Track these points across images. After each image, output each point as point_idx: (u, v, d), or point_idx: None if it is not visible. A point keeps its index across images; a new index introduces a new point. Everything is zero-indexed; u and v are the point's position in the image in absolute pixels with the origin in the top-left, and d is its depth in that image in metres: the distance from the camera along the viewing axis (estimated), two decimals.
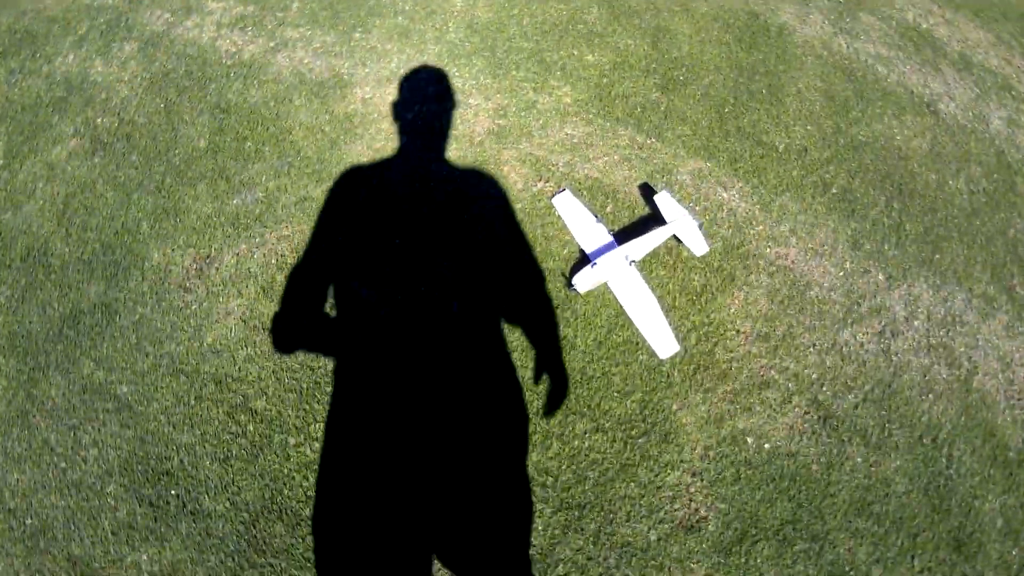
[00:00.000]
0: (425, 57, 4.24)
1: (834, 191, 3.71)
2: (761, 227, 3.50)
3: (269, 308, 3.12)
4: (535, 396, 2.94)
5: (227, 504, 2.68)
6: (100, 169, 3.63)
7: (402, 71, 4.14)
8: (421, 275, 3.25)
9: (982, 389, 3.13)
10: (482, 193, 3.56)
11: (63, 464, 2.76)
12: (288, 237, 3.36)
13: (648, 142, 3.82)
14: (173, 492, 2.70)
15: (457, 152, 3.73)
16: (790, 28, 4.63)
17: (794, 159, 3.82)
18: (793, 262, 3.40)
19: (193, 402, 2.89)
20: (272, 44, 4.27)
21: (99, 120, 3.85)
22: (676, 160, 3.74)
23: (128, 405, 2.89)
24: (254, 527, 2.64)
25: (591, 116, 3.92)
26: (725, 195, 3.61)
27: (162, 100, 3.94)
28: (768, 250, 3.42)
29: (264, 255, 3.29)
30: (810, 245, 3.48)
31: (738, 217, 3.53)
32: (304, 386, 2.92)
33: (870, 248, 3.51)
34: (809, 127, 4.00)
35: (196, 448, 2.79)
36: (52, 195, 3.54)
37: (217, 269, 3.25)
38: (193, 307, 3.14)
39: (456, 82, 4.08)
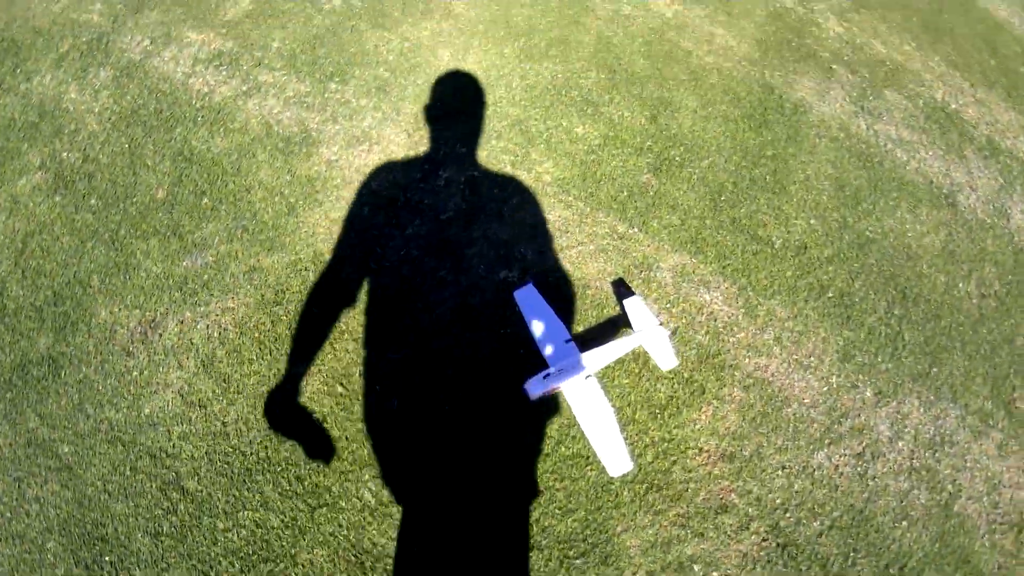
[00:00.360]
0: (401, 117, 4.40)
1: (830, 295, 3.86)
2: (743, 334, 3.65)
3: (207, 386, 3.32)
4: (471, 507, 3.10)
5: None
6: (60, 210, 3.85)
7: (374, 132, 4.31)
8: (364, 366, 3.42)
9: (963, 514, 3.27)
10: (440, 279, 3.72)
11: (8, 514, 3.00)
12: (233, 310, 3.56)
13: (630, 232, 3.95)
14: (107, 559, 2.92)
15: (420, 230, 3.90)
16: (807, 105, 4.81)
17: (791, 257, 3.97)
18: (773, 375, 3.54)
19: (128, 472, 3.11)
20: (244, 88, 4.49)
21: (65, 154, 4.08)
22: (658, 253, 3.88)
23: (68, 466, 3.12)
24: None
25: (571, 199, 4.05)
26: (707, 296, 3.75)
27: (128, 139, 4.17)
28: (747, 361, 3.56)
29: (207, 327, 3.50)
30: (795, 356, 3.62)
31: (718, 322, 3.67)
32: (235, 471, 3.12)
33: (862, 360, 3.65)
34: (812, 220, 4.15)
35: (130, 519, 3.01)
36: (12, 231, 3.77)
37: (160, 336, 3.46)
38: (134, 373, 3.36)
39: (430, 149, 4.27)
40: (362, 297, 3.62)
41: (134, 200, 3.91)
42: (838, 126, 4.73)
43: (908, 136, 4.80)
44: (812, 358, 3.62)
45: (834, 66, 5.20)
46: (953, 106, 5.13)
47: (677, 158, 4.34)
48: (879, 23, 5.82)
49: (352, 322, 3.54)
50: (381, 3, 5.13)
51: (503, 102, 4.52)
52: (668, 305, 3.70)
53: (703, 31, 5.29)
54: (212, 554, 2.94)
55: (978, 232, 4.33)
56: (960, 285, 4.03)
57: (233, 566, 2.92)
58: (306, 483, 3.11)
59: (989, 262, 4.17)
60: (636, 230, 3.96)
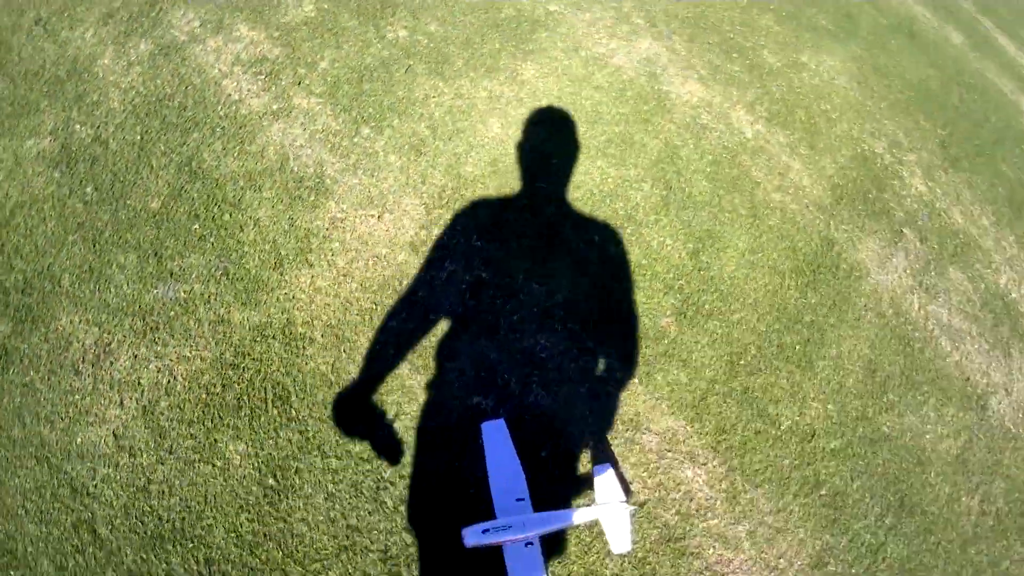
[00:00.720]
0: (425, 187, 4.31)
1: (823, 492, 3.81)
2: (716, 521, 3.59)
3: (142, 435, 3.32)
4: None
5: None
6: (55, 188, 3.84)
7: (391, 197, 4.22)
8: (302, 464, 3.38)
9: None
10: (407, 388, 3.61)
11: None
12: (188, 360, 3.52)
13: (629, 382, 3.87)
14: (12, 573, 2.95)
15: (405, 326, 3.79)
16: (864, 270, 4.77)
17: (794, 444, 3.91)
18: (734, 572, 3.49)
19: (48, 497, 3.13)
20: (275, 107, 4.44)
21: (78, 127, 4.07)
22: (652, 413, 3.79)
23: None
24: None
25: (577, 328, 3.96)
26: (689, 473, 3.68)
27: (142, 130, 4.14)
28: (710, 551, 3.51)
29: (158, 369, 3.48)
30: (764, 555, 3.57)
31: (693, 503, 3.61)
32: (149, 532, 3.12)
33: (833, 570, 3.60)
34: (830, 406, 4.10)
35: (40, 544, 3.03)
36: (4, 196, 3.76)
37: (111, 364, 3.45)
38: (76, 397, 3.36)
39: (443, 234, 4.16)
40: (319, 387, 3.56)
41: (127, 203, 3.88)
42: (889, 300, 4.68)
43: (958, 323, 4.77)
44: (782, 560, 3.57)
45: (905, 230, 5.15)
46: (1013, 295, 5.10)
47: (707, 306, 4.26)
48: (964, 188, 5.80)
49: (302, 412, 3.50)
50: (447, 46, 5.12)
51: (538, 198, 4.44)
52: (645, 475, 3.63)
53: (779, 161, 5.25)
54: None
55: (999, 441, 4.31)
56: (964, 499, 4.00)
57: None
58: (213, 568, 3.10)
59: (1001, 476, 4.15)
60: (636, 381, 3.88)
